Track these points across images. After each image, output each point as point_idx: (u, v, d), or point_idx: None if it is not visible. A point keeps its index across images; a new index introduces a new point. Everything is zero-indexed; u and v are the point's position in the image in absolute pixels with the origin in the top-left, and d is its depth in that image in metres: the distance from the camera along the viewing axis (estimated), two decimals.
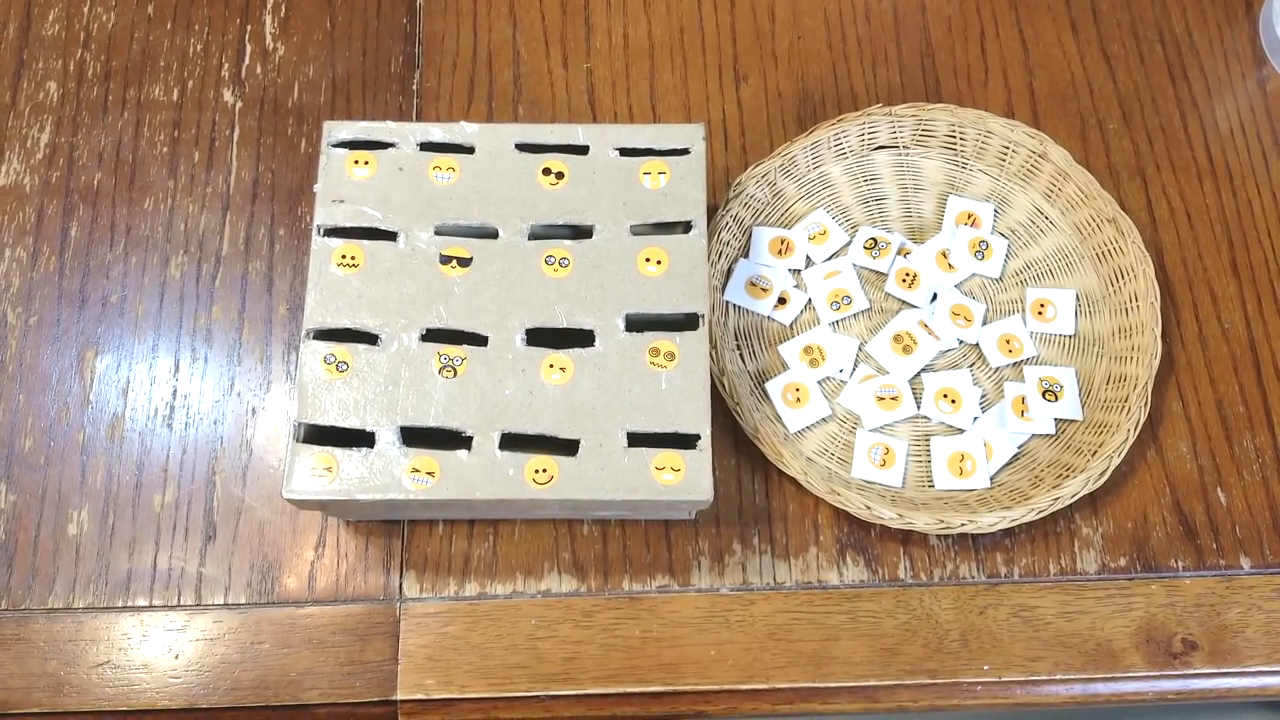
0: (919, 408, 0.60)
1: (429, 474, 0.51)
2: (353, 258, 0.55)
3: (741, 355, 0.62)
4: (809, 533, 0.58)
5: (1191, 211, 0.66)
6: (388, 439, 0.52)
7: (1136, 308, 0.61)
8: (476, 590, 0.57)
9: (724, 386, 0.59)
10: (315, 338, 0.54)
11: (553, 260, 0.55)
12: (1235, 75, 0.69)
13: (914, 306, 0.63)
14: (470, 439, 0.52)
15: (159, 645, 0.56)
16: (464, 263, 0.55)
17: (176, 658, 0.56)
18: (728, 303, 0.62)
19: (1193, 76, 0.69)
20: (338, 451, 0.52)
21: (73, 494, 0.59)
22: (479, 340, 0.54)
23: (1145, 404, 0.58)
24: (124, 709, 0.55)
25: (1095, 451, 0.57)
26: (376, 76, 0.68)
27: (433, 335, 0.54)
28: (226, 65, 0.68)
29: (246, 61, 0.68)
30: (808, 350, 0.61)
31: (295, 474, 0.51)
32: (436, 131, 0.58)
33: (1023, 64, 0.69)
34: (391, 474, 0.51)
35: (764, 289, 0.62)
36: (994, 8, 0.71)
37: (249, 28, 0.69)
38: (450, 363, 0.53)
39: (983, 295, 0.63)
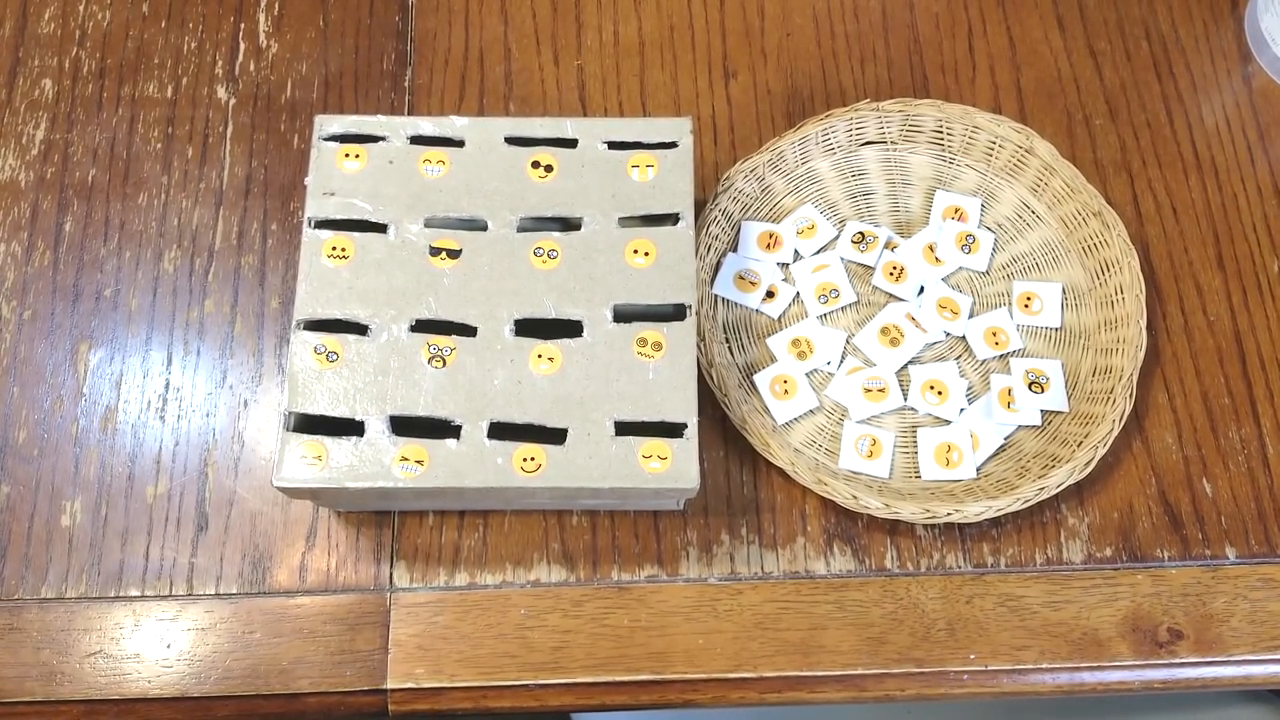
0: (906, 399, 0.61)
1: (418, 462, 0.52)
2: (343, 249, 0.56)
3: (730, 348, 0.62)
4: (796, 523, 0.59)
5: (1177, 205, 0.66)
6: (377, 428, 0.52)
7: (1122, 300, 0.61)
8: (466, 580, 0.57)
9: (713, 379, 0.59)
10: (306, 328, 0.54)
11: (541, 252, 0.56)
12: (1221, 71, 0.70)
13: (901, 300, 0.63)
14: (459, 428, 0.53)
15: (151, 635, 0.56)
16: (453, 254, 0.56)
17: (168, 647, 0.56)
18: (716, 296, 0.63)
19: (1178, 72, 0.70)
20: (328, 440, 0.52)
21: (66, 485, 0.59)
22: (468, 331, 0.55)
23: (1130, 395, 0.59)
24: (116, 698, 0.55)
25: (1081, 442, 0.58)
26: (369, 73, 0.69)
27: (422, 326, 0.55)
28: (220, 62, 0.69)
29: (240, 59, 0.69)
30: (796, 343, 0.62)
31: (285, 462, 0.52)
32: (426, 125, 0.58)
33: (1010, 60, 0.70)
34: (381, 462, 0.52)
35: (752, 282, 0.63)
36: (981, 5, 0.71)
37: (243, 25, 0.70)
38: (439, 353, 0.54)
39: (969, 288, 0.64)
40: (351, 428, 0.53)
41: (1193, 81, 0.70)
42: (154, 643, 0.56)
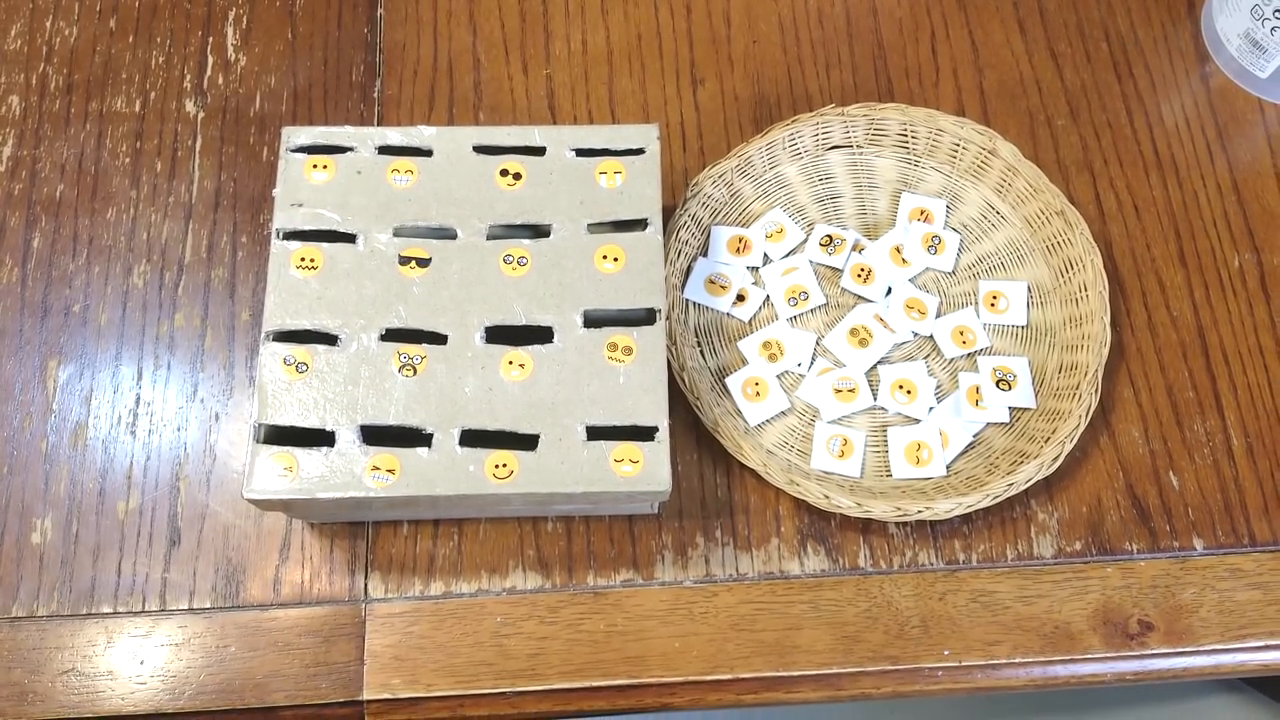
0: (875, 399, 0.61)
1: (389, 472, 0.52)
2: (311, 260, 0.56)
3: (701, 352, 0.63)
4: (770, 524, 0.59)
5: (1139, 203, 0.67)
6: (348, 438, 0.52)
7: (1086, 297, 0.62)
8: (441, 589, 0.57)
9: (684, 382, 0.59)
10: (275, 339, 0.54)
11: (511, 259, 0.56)
12: (1179, 72, 0.71)
13: (869, 301, 0.64)
14: (430, 436, 0.53)
15: (124, 651, 0.56)
16: (423, 263, 0.56)
17: (142, 663, 0.56)
18: (687, 300, 0.63)
19: (1138, 73, 0.71)
20: (298, 451, 0.52)
21: (36, 503, 0.59)
22: (438, 339, 0.55)
23: (1096, 390, 0.59)
24: (90, 716, 0.55)
25: (1048, 438, 0.59)
26: (338, 85, 0.69)
27: (392, 335, 0.55)
28: (189, 76, 0.69)
29: (208, 72, 0.69)
30: (766, 345, 0.62)
31: (256, 474, 0.52)
32: (394, 135, 0.58)
33: (973, 64, 0.71)
34: (352, 472, 0.52)
35: (723, 286, 0.63)
36: (944, 10, 0.72)
37: (211, 39, 0.70)
38: (410, 361, 0.54)
39: (936, 289, 0.64)
40: (322, 438, 0.53)
41: (1152, 82, 0.71)
42: (127, 659, 0.56)
